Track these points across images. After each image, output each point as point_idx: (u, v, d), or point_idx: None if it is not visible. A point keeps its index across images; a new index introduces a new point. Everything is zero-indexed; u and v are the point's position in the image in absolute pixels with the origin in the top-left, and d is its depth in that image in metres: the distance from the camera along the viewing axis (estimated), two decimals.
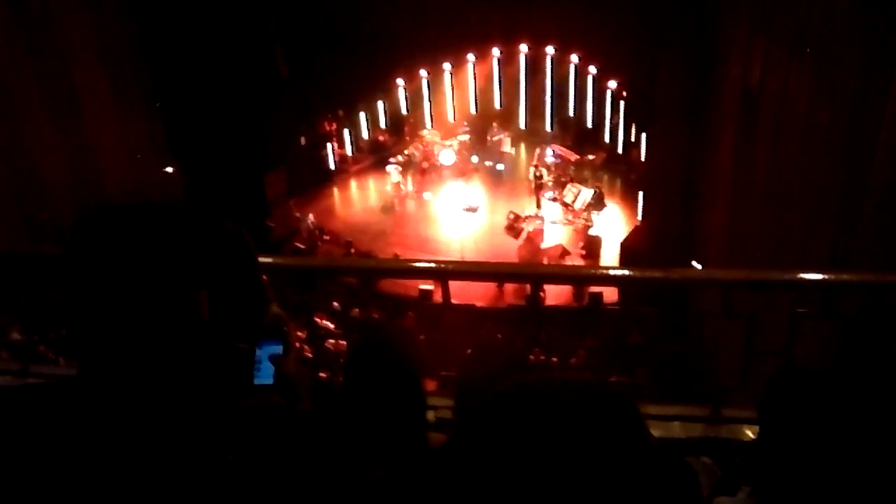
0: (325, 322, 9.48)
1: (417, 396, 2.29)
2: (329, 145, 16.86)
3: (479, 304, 8.29)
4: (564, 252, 14.07)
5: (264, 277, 2.60)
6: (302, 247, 14.79)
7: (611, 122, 16.19)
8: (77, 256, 1.29)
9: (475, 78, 17.19)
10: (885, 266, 5.90)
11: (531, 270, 7.00)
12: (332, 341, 6.70)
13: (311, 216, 15.39)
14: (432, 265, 4.71)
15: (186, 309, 1.32)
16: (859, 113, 6.87)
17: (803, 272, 3.78)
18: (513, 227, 14.55)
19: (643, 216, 13.86)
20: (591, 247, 14.07)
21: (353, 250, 14.39)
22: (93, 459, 1.22)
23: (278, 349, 1.76)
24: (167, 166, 13.45)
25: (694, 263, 10.50)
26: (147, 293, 1.27)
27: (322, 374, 5.30)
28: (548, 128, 17.20)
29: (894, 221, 6.29)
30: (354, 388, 2.30)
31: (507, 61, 16.86)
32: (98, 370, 1.30)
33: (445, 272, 4.28)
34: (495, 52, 16.73)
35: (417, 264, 4.82)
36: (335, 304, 10.44)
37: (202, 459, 1.30)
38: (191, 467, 1.27)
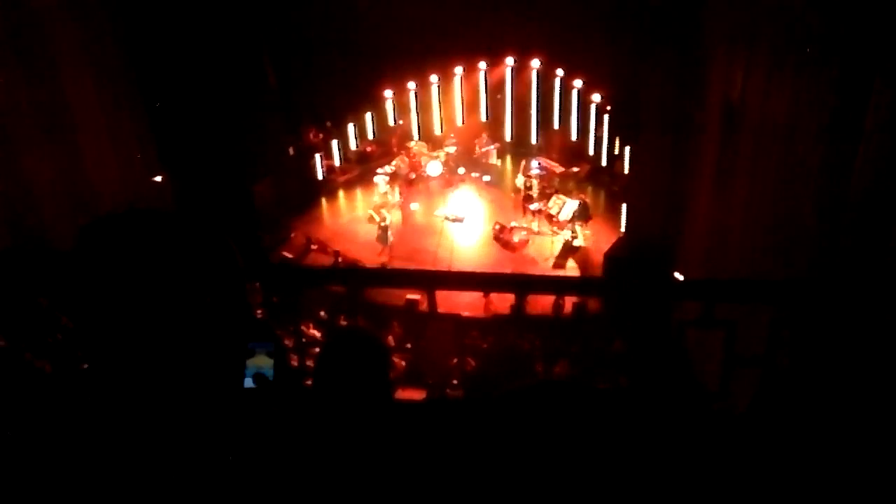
0: (311, 331, 9.57)
1: (385, 384, 2.35)
2: (317, 156, 16.94)
3: (465, 313, 8.41)
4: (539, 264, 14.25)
5: (256, 284, 2.68)
6: (290, 256, 14.84)
7: (595, 135, 16.38)
8: (85, 263, 1.36)
9: (462, 90, 17.33)
10: (863, 277, 6.03)
11: (516, 280, 7.12)
12: (318, 350, 6.75)
13: (301, 227, 15.49)
14: (419, 274, 4.81)
15: (193, 313, 1.40)
16: (838, 126, 7.03)
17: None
18: (499, 238, 14.69)
19: (626, 227, 14.03)
20: (573, 258, 14.23)
21: (340, 259, 14.46)
22: (97, 453, 1.29)
23: (269, 349, 1.83)
24: (157, 175, 13.47)
25: (676, 274, 10.65)
26: (154, 298, 1.35)
27: (308, 383, 5.37)
28: (533, 140, 17.37)
29: (873, 233, 6.43)
30: (325, 380, 2.36)
31: (494, 74, 17.04)
32: (106, 370, 1.37)
33: (432, 281, 4.37)
34: (482, 65, 16.91)
35: (405, 274, 4.91)
36: (322, 313, 10.51)
37: (198, 455, 1.37)
38: (186, 463, 1.34)
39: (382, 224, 14.80)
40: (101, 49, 12.05)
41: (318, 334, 9.33)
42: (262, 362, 1.90)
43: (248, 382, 1.86)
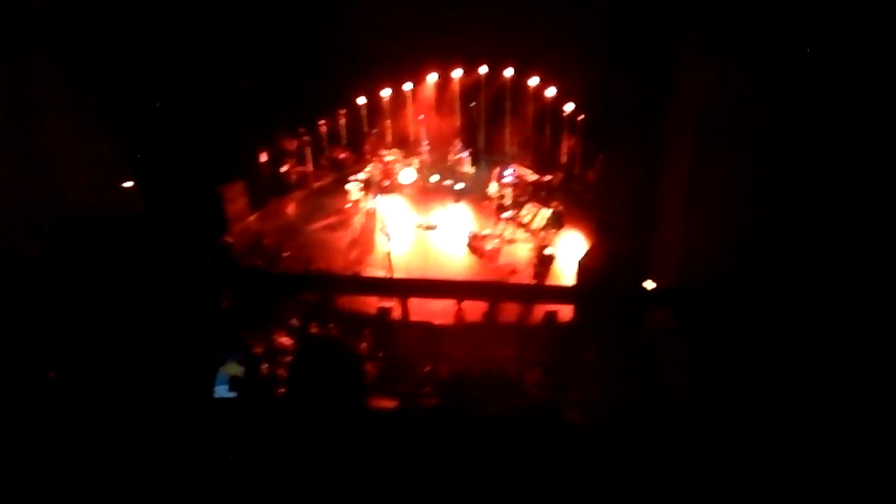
0: (282, 339, 9.49)
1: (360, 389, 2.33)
2: (290, 162, 16.86)
3: (437, 321, 8.38)
4: (514, 272, 14.26)
5: (226, 292, 2.65)
6: (261, 263, 14.71)
7: (568, 144, 16.48)
8: (50, 268, 1.33)
9: (436, 98, 17.35)
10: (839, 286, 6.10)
11: (489, 287, 7.13)
12: (289, 359, 6.70)
13: (272, 234, 15.37)
14: (392, 282, 4.79)
15: (157, 316, 1.37)
16: (811, 137, 7.12)
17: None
18: (473, 246, 14.70)
19: (599, 236, 14.10)
20: (546, 267, 14.26)
21: (312, 267, 14.37)
22: (67, 459, 1.25)
23: (239, 360, 1.80)
24: (127, 180, 13.30)
25: (648, 282, 10.73)
26: (120, 300, 1.32)
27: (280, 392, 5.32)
28: (507, 148, 17.44)
29: (842, 244, 6.51)
30: (299, 388, 2.33)
31: (468, 82, 17.09)
32: (74, 378, 1.34)
33: (405, 289, 4.35)
34: (456, 72, 16.95)
35: (378, 281, 4.89)
36: (293, 321, 10.42)
37: (168, 462, 1.34)
38: (155, 469, 1.31)
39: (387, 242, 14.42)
40: (71, 54, 11.90)
41: (288, 343, 9.24)
42: (233, 371, 1.87)
43: (221, 391, 1.83)
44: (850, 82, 6.47)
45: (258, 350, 4.73)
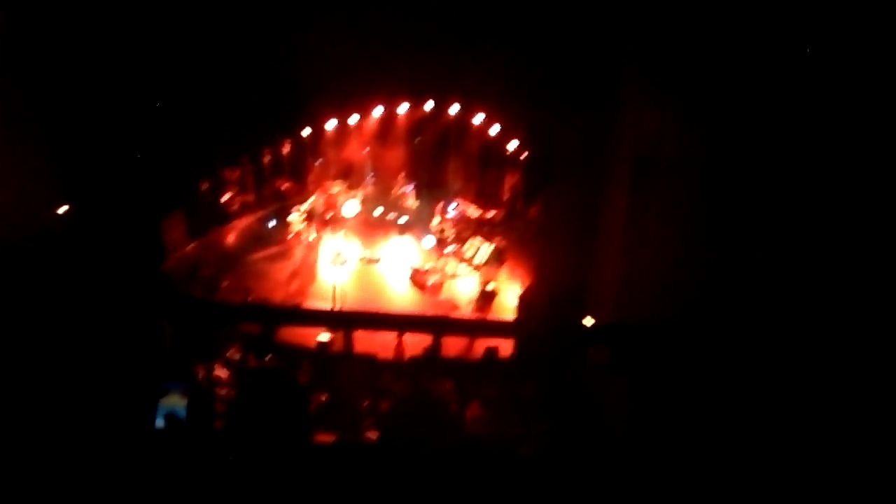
0: (218, 371, 9.29)
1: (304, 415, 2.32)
2: (231, 191, 16.66)
3: (380, 355, 8.34)
4: (454, 307, 14.33)
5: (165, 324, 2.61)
6: (198, 293, 14.42)
7: (511, 180, 16.73)
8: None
9: (381, 131, 17.44)
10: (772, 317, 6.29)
11: (432, 321, 7.15)
12: (224, 391, 6.61)
13: (211, 264, 15.10)
14: (337, 314, 4.77)
15: (100, 348, 1.36)
16: (743, 174, 7.39)
17: None
18: (415, 280, 14.71)
19: (540, 272, 14.27)
20: (488, 303, 14.36)
21: (250, 298, 14.15)
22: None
23: (184, 389, 1.78)
24: (60, 206, 12.94)
25: (588, 318, 10.89)
26: (64, 324, 1.30)
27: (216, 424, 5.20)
28: (451, 183, 17.58)
29: (774, 277, 6.73)
30: (243, 422, 2.30)
31: (413, 116, 17.24)
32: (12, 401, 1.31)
33: (350, 321, 4.34)
34: (402, 106, 17.09)
35: (323, 313, 4.87)
36: (229, 352, 10.23)
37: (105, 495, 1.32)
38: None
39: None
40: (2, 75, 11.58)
41: (224, 375, 9.05)
42: (176, 402, 1.84)
43: (160, 422, 1.81)
44: (780, 120, 6.77)
45: (200, 380, 4.65)
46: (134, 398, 1.84)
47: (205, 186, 16.25)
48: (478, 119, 16.74)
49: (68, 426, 1.36)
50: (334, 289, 13.71)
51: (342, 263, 14.42)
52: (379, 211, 16.90)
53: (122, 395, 1.72)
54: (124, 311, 1.75)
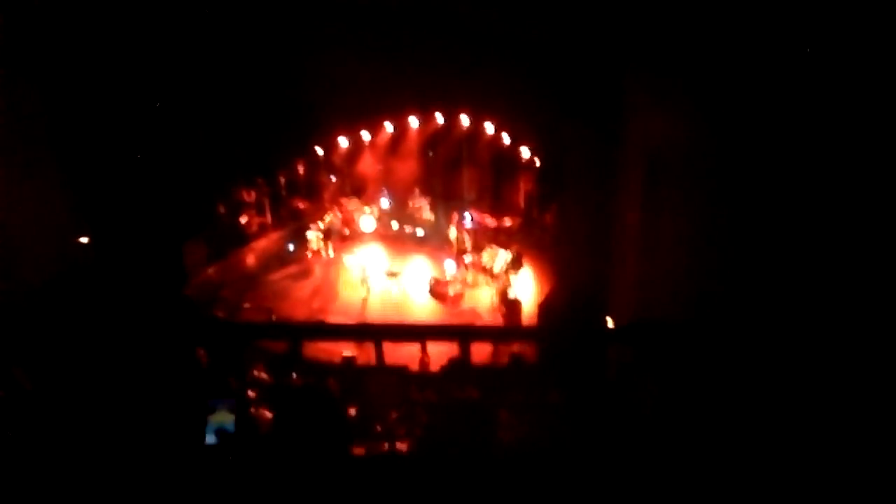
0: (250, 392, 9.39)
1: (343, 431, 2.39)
2: (248, 212, 16.85)
3: (411, 367, 8.41)
4: (476, 316, 14.37)
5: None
6: (222, 314, 14.56)
7: (525, 188, 16.81)
8: (38, 327, 1.40)
9: (393, 146, 17.60)
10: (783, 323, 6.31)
11: (460, 330, 7.22)
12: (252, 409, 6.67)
13: (233, 286, 15.27)
14: (367, 327, 4.86)
15: (144, 375, 1.45)
16: (754, 174, 7.42)
17: None
18: (435, 292, 14.78)
19: (558, 277, 14.29)
20: (512, 310, 14.38)
21: (273, 317, 14.26)
22: None
23: (231, 405, 1.87)
24: (82, 236, 13.12)
25: (609, 320, 10.91)
26: (105, 361, 1.39)
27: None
28: (465, 194, 17.69)
29: (789, 283, 6.75)
30: (286, 437, 2.38)
31: (425, 129, 17.38)
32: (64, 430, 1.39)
33: (378, 333, 4.43)
34: (412, 120, 17.24)
35: (352, 327, 4.96)
36: (256, 372, 10.33)
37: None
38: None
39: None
40: (21, 109, 11.76)
41: (252, 394, 9.14)
42: (224, 418, 1.93)
43: (210, 438, 1.89)
44: (790, 121, 6.80)
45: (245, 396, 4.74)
46: (183, 418, 1.94)
47: (223, 209, 16.45)
48: (489, 129, 16.83)
49: (126, 448, 1.45)
50: (363, 302, 13.96)
51: (367, 279, 14.71)
52: (395, 225, 17.03)
53: (171, 416, 1.82)
54: (159, 337, 1.85)
